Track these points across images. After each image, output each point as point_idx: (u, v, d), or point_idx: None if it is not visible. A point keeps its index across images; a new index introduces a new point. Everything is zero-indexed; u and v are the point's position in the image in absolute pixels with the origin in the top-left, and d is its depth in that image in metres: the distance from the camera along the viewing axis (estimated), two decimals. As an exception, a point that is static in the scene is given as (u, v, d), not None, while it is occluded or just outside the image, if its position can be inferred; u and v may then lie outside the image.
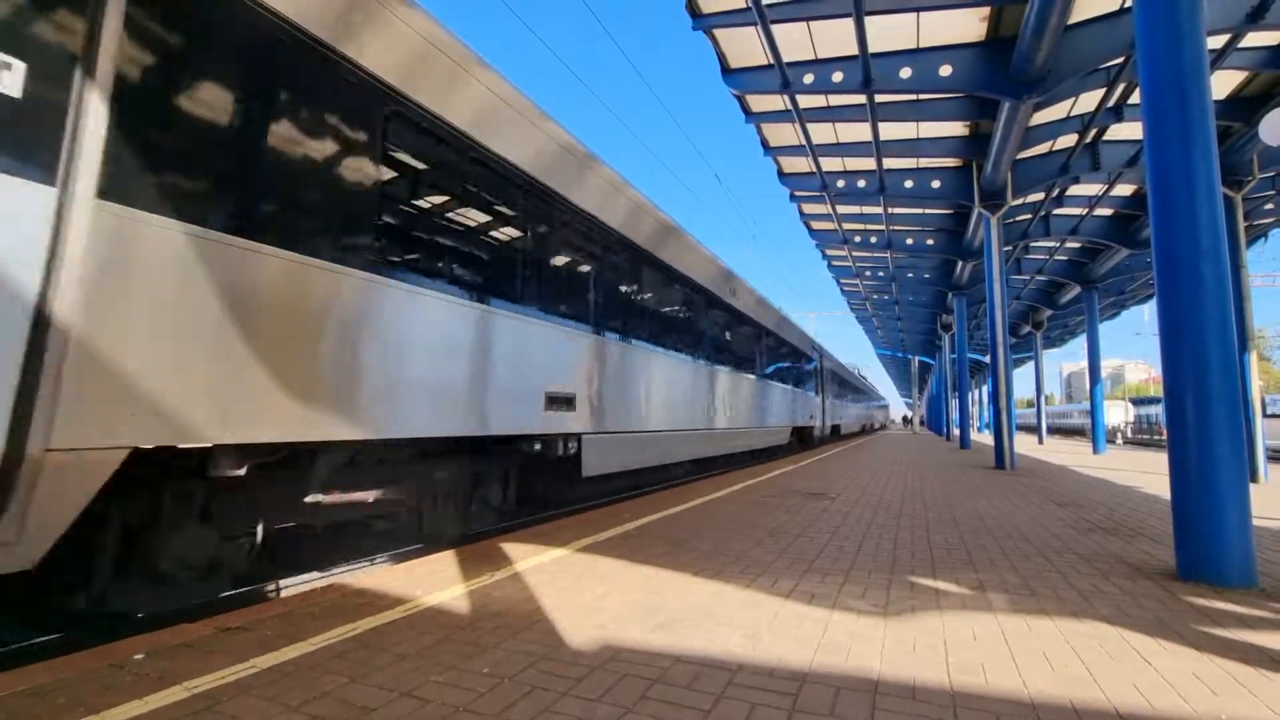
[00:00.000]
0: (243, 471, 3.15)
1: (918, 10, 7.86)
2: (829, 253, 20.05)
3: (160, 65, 2.71)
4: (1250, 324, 9.54)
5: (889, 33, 8.49)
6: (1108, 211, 14.56)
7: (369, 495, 4.17)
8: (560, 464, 5.95)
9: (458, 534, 5.05)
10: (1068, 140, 11.03)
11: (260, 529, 3.56)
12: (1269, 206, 12.89)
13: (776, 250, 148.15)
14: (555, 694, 2.10)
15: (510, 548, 4.36)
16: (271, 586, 4.70)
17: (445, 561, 3.96)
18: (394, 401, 3.81)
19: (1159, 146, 3.92)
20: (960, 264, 17.08)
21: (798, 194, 14.69)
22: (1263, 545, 4.68)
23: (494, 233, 5.03)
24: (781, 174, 13.94)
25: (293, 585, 4.80)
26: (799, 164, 13.41)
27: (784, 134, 12.06)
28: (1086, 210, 14.29)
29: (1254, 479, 9.37)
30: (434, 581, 3.48)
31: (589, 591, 3.31)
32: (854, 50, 8.67)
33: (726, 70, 9.70)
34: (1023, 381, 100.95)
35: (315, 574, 5.10)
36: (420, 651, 2.46)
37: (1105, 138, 11.21)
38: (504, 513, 5.71)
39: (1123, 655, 2.49)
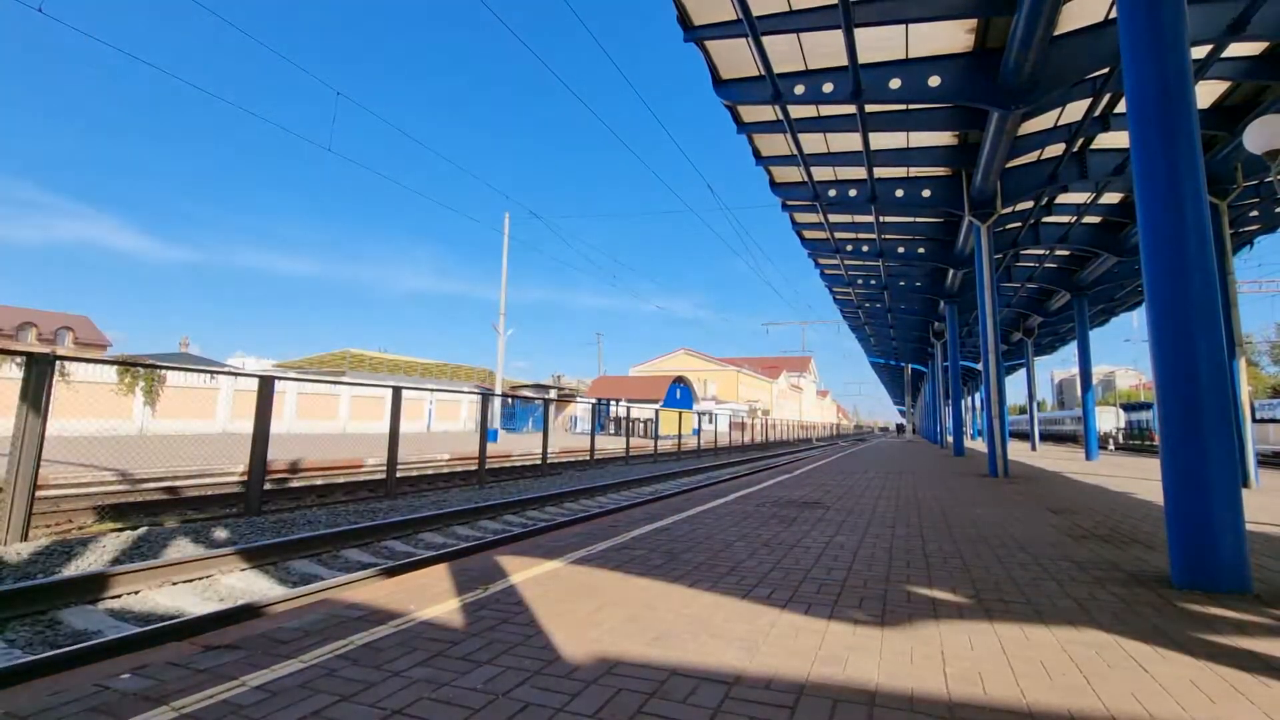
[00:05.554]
0: None
1: (906, 22, 7.95)
2: (821, 261, 20.15)
3: None
4: (1238, 330, 9.64)
5: (878, 44, 8.58)
6: (1096, 219, 14.71)
7: None
8: None
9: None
10: (1055, 149, 11.16)
11: None
12: (1254, 214, 13.06)
13: (769, 260, 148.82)
14: (551, 709, 2.07)
15: (504, 560, 4.32)
16: (261, 603, 4.65)
17: (438, 575, 3.91)
18: None
19: (1145, 155, 3.96)
20: (951, 272, 17.20)
21: (790, 203, 14.77)
22: (1256, 550, 4.70)
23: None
24: (774, 184, 14.02)
25: (283, 601, 4.75)
26: (791, 174, 13.50)
27: (776, 144, 12.15)
28: (1075, 218, 14.44)
29: (1245, 484, 9.42)
30: (427, 596, 3.44)
31: (584, 604, 3.28)
32: (844, 61, 8.76)
33: (718, 82, 9.77)
34: (1015, 388, 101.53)
35: (305, 589, 5.05)
36: (413, 668, 2.42)
37: (1092, 147, 11.36)
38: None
39: (1120, 663, 2.48)
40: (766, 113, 10.68)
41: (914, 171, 12.63)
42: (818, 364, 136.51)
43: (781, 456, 31.18)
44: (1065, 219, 14.79)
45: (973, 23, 8.07)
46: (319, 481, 12.75)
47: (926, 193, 12.80)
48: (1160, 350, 3.80)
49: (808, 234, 17.37)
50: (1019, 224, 14.85)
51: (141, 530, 7.03)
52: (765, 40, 8.30)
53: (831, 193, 13.56)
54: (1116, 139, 10.89)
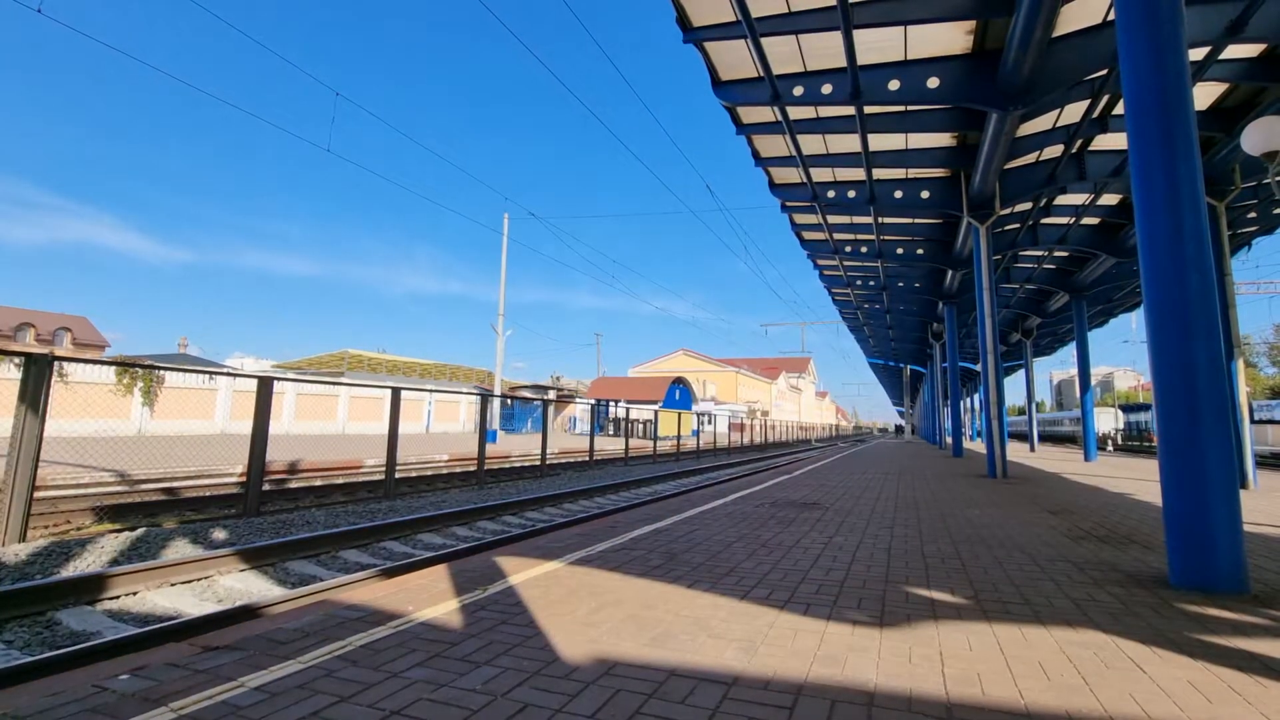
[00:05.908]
0: None
1: (905, 24, 7.96)
2: (820, 262, 20.17)
3: None
4: (1236, 331, 9.66)
5: (877, 45, 8.60)
6: (1094, 220, 14.74)
7: None
8: None
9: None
10: (1054, 151, 11.17)
11: None
12: (1251, 215, 13.08)
13: (769, 261, 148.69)
14: (550, 710, 2.07)
15: (503, 561, 4.32)
16: (260, 604, 4.64)
17: (437, 575, 3.91)
18: None
19: (1143, 157, 3.97)
20: (950, 273, 17.22)
21: (789, 205, 14.79)
22: (1253, 551, 4.71)
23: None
24: (773, 185, 14.03)
25: (282, 602, 4.74)
26: (790, 175, 13.52)
27: (775, 145, 12.16)
28: (1074, 219, 14.46)
29: (1243, 485, 9.43)
30: (426, 597, 3.44)
31: (583, 605, 3.28)
32: (843, 63, 8.78)
33: (717, 83, 9.78)
34: (1014, 389, 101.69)
35: (304, 590, 5.05)
36: (412, 669, 2.42)
37: (1091, 148, 11.37)
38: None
39: (1118, 664, 2.49)
40: (765, 114, 10.70)
41: (913, 173, 12.64)
42: (817, 365, 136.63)
43: (780, 457, 31.19)
44: (1064, 220, 14.81)
45: (971, 24, 8.09)
46: (318, 482, 12.74)
47: (925, 194, 12.81)
48: (1158, 351, 3.81)
49: (807, 235, 17.39)
50: (1017, 225, 14.88)
51: (140, 531, 7.02)
52: (764, 42, 8.31)
53: (830, 194, 13.58)
54: (1115, 140, 10.91)
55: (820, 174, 13.04)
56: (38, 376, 6.53)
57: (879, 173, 12.50)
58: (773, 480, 11.25)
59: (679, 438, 28.48)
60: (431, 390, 39.82)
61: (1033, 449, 25.91)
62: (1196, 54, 7.96)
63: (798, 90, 9.35)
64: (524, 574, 3.96)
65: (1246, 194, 11.89)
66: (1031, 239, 15.43)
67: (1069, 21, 7.75)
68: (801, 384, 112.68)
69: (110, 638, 3.91)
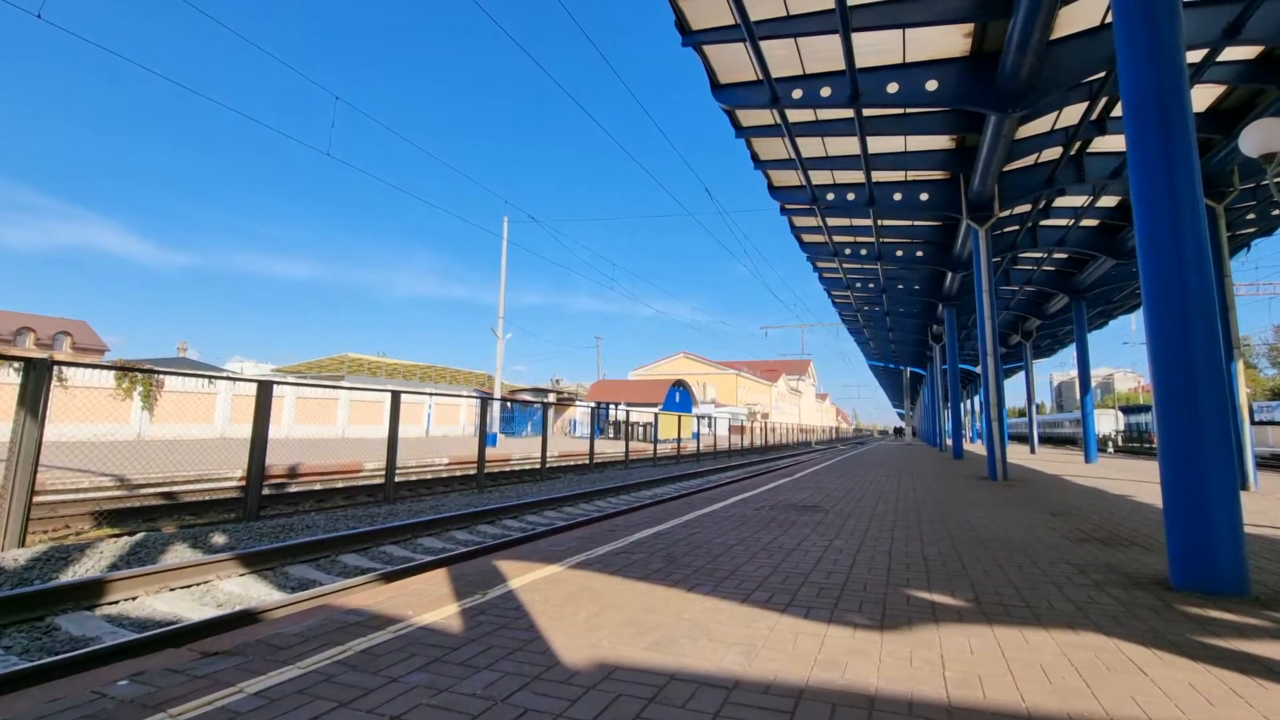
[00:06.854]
0: None
1: (903, 26, 7.98)
2: (820, 265, 20.18)
3: None
4: (1235, 332, 9.66)
5: (875, 48, 8.62)
6: (1093, 222, 14.75)
7: None
8: None
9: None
10: (1053, 153, 11.19)
11: None
12: (1250, 217, 13.10)
13: (768, 263, 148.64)
14: (550, 715, 2.06)
15: (503, 565, 4.31)
16: (259, 609, 4.64)
17: (437, 580, 3.91)
18: None
19: (1142, 159, 3.98)
20: (950, 275, 17.23)
21: (788, 207, 14.81)
22: (1254, 553, 4.71)
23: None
24: (772, 187, 14.05)
25: (281, 607, 4.74)
26: (789, 177, 13.53)
27: (774, 148, 12.18)
28: (1073, 221, 14.47)
29: (1244, 486, 9.43)
30: (426, 601, 3.43)
31: (583, 609, 3.28)
32: (841, 66, 8.79)
33: (716, 86, 9.80)
34: (1014, 391, 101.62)
35: (304, 594, 5.04)
36: (412, 674, 2.42)
37: (1089, 150, 11.40)
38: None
39: (1119, 666, 2.48)
40: (765, 117, 10.72)
41: (912, 175, 12.66)
42: (817, 367, 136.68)
43: (781, 460, 31.16)
44: (1063, 222, 14.83)
45: (970, 27, 8.11)
46: (317, 486, 12.73)
47: (924, 196, 12.83)
48: (1158, 353, 3.81)
49: (807, 238, 17.41)
50: (1017, 227, 14.90)
51: (139, 535, 7.01)
52: (763, 45, 8.32)
53: (830, 196, 13.59)
54: (1113, 142, 10.93)
55: (819, 176, 13.06)
56: (37, 381, 6.53)
57: (878, 175, 12.52)
58: (773, 483, 11.24)
59: (679, 440, 28.46)
60: (431, 393, 39.85)
61: (1033, 451, 25.90)
62: (1194, 56, 7.98)
63: (796, 93, 9.37)
64: (524, 578, 3.95)
65: (1245, 195, 11.92)
66: (1031, 241, 15.45)
67: (1067, 24, 7.78)
68: (801, 386, 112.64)
69: (109, 643, 3.90)
